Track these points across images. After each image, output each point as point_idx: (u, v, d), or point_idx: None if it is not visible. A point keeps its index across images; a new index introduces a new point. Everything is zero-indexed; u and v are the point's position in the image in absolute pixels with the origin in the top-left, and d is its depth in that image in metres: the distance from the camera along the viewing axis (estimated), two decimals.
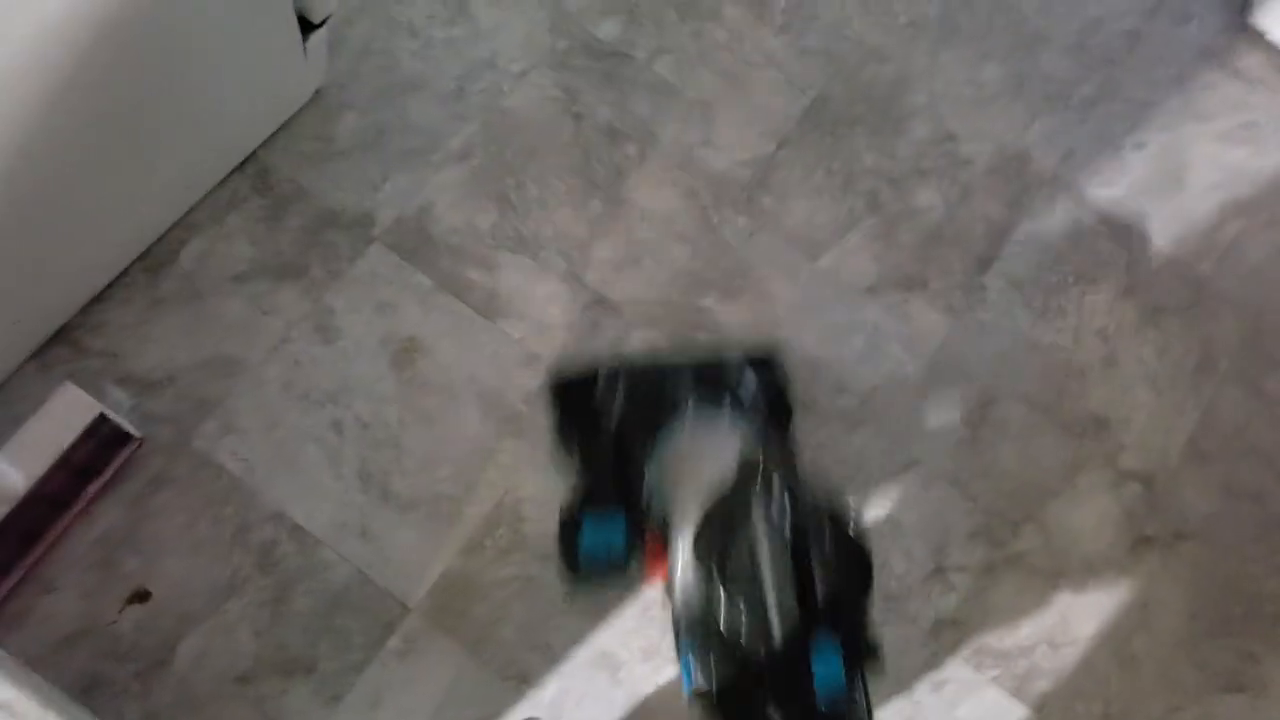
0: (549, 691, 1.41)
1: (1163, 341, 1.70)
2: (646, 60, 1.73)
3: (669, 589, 1.10)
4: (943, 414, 1.61)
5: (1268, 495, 1.64)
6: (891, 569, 1.52)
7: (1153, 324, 1.71)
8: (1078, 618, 1.53)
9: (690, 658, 0.90)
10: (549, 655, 1.43)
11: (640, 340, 1.57)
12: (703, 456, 1.20)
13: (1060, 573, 1.55)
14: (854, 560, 0.95)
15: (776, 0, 1.81)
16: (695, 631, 0.91)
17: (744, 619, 0.88)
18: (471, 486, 1.47)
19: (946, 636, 1.50)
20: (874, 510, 1.55)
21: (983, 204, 1.73)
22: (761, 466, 0.99)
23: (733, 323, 1.60)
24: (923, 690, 1.48)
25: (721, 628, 0.89)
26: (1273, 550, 1.61)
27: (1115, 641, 1.53)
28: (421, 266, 1.57)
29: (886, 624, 1.50)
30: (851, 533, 0.96)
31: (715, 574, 0.92)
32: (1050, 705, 1.49)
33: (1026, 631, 1.52)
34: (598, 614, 1.45)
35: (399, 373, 1.51)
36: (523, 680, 1.41)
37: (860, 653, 0.90)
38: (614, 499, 1.32)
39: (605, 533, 1.30)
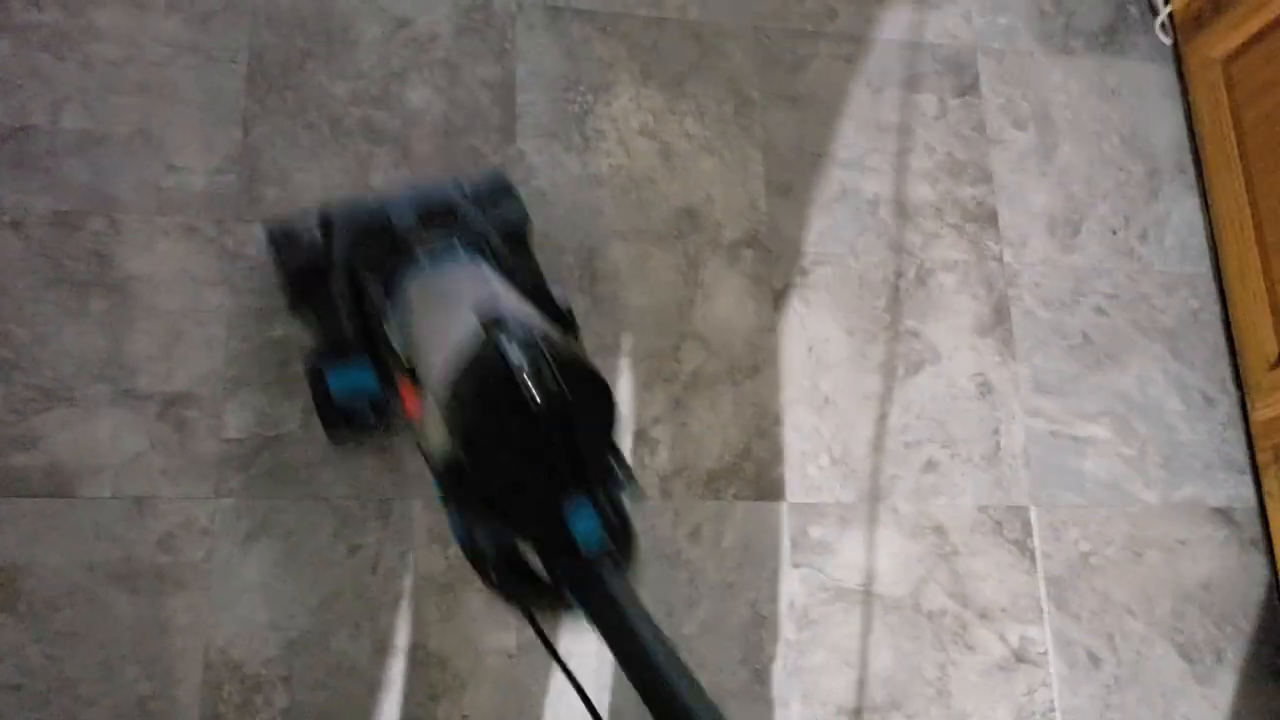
0: None
1: (696, 107, 1.70)
2: (50, 123, 1.46)
3: (421, 432, 1.10)
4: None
5: (811, 184, 1.70)
6: None
7: (680, 94, 1.70)
8: (767, 397, 1.58)
9: (457, 515, 0.96)
10: None
11: (241, 414, 1.41)
12: (443, 303, 1.16)
13: (696, 370, 1.58)
14: (597, 402, 0.97)
15: None
16: (457, 490, 0.96)
17: (500, 486, 0.92)
18: (168, 668, 1.31)
19: (676, 488, 1.51)
20: None
21: (473, 72, 1.62)
22: (501, 329, 0.97)
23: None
24: (684, 546, 1.50)
25: (479, 494, 0.94)
26: (877, 232, 1.70)
27: (798, 393, 1.60)
28: None
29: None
30: (598, 386, 0.97)
31: (465, 443, 0.94)
32: (792, 485, 1.55)
33: (736, 438, 1.56)
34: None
35: (13, 612, 1.29)
36: None
37: (614, 491, 0.95)
38: (356, 345, 1.31)
39: (352, 378, 1.30)
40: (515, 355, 0.94)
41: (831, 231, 1.68)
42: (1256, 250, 1.62)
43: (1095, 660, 1.58)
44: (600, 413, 0.97)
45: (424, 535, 1.41)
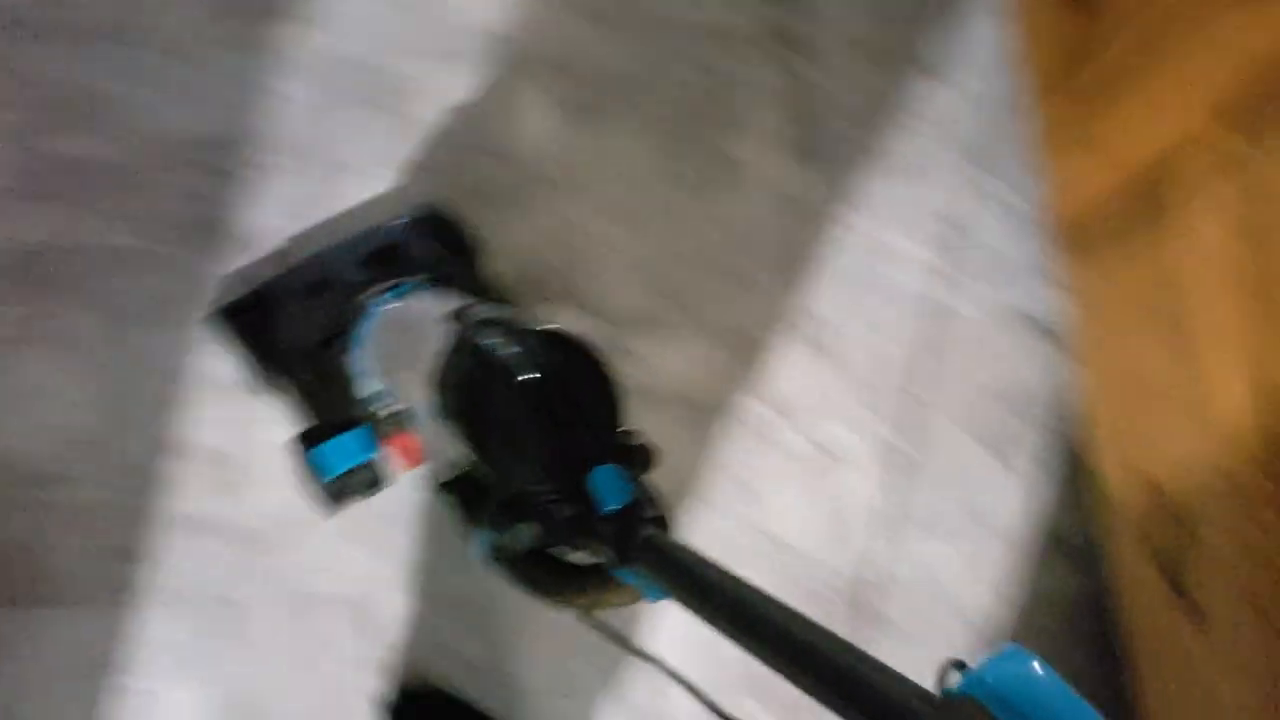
0: None
1: None
2: None
3: (433, 477, 1.04)
4: None
5: (625, 10, 1.70)
6: None
7: None
8: (564, 209, 1.60)
9: (481, 531, 0.87)
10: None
11: (17, 222, 1.41)
12: (405, 337, 1.12)
13: (484, 181, 1.59)
14: (594, 375, 0.91)
15: None
16: (476, 503, 0.89)
17: (516, 475, 0.86)
18: None
19: None
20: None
21: None
22: (466, 325, 0.94)
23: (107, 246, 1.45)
24: None
25: (496, 490, 0.87)
26: (688, 58, 1.71)
27: (598, 207, 1.61)
28: None
29: None
30: (581, 348, 0.92)
31: (471, 444, 0.88)
32: (588, 293, 1.57)
33: (526, 246, 1.56)
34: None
35: None
36: None
37: (634, 462, 0.88)
38: (341, 416, 1.27)
39: (351, 451, 1.25)
40: (486, 335, 0.89)
41: (641, 55, 1.69)
42: None
43: (901, 455, 1.62)
44: (596, 380, 0.91)
45: (209, 342, 1.42)
